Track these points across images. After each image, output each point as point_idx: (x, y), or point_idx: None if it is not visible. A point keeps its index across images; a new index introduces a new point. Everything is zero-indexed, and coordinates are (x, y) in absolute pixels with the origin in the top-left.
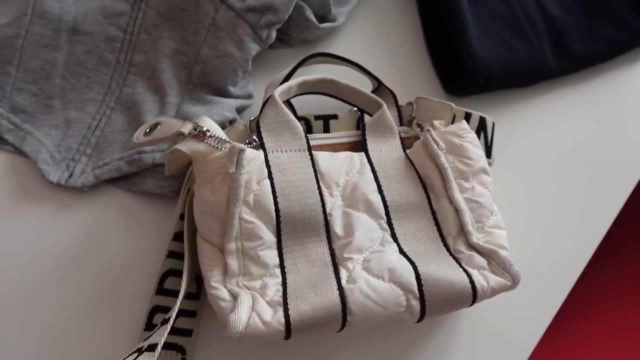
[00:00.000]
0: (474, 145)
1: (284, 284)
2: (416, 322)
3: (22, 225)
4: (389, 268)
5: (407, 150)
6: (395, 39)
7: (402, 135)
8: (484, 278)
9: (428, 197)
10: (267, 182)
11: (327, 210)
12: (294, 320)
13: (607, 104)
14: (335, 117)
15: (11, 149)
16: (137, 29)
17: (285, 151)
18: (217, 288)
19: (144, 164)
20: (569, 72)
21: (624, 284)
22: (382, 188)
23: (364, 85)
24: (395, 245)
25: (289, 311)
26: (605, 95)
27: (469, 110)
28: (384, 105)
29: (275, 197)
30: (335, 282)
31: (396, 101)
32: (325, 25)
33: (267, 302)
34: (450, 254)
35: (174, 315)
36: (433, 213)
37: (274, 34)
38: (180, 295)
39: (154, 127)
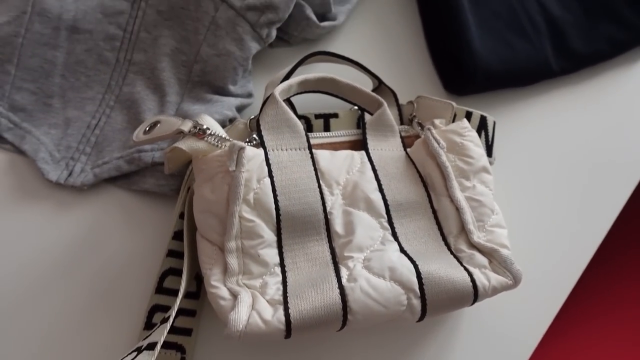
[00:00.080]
0: (474, 144)
1: (284, 282)
2: (417, 321)
3: (22, 224)
4: (389, 267)
5: (408, 149)
6: (396, 38)
7: (403, 134)
8: (485, 277)
9: (429, 196)
10: (268, 180)
11: (328, 208)
12: (294, 319)
13: (608, 103)
14: (335, 115)
15: (10, 147)
16: (136, 28)
17: (286, 149)
18: (217, 287)
19: (144, 163)
20: (569, 71)
21: (624, 285)
22: (383, 187)
23: (365, 84)
24: (396, 244)
25: (289, 310)
26: (606, 94)
27: (470, 109)
28: (385, 104)
29: (275, 196)
30: (336, 280)
31: (397, 100)
32: (326, 24)
33: (267, 301)
34: (451, 252)
35: (173, 314)
36: (434, 212)
37: (274, 33)
38: (180, 294)
39: (154, 125)
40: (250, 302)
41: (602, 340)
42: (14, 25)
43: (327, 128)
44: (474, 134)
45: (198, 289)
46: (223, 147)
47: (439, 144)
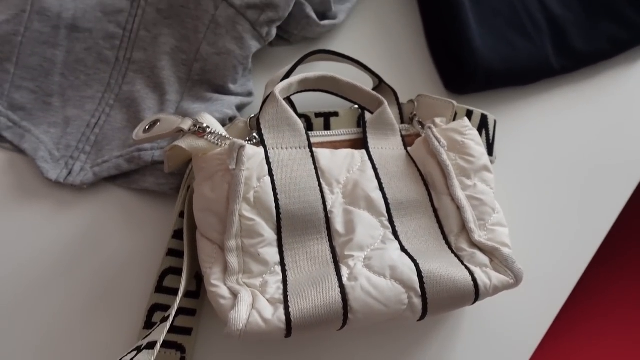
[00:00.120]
0: (475, 143)
1: (285, 281)
2: (418, 320)
3: (21, 223)
4: (390, 265)
5: (409, 148)
6: (396, 37)
7: (403, 132)
8: (486, 276)
9: (429, 195)
10: (268, 179)
11: (328, 207)
12: (294, 318)
13: (608, 102)
14: (336, 114)
15: (10, 146)
16: (136, 27)
17: (286, 148)
18: (217, 286)
19: (144, 162)
20: (570, 69)
21: (624, 285)
22: (383, 185)
23: (365, 83)
24: (396, 242)
25: (290, 309)
26: (607, 93)
27: (471, 108)
28: (385, 102)
29: (275, 194)
30: (337, 279)
31: (397, 99)
32: (326, 22)
33: (267, 300)
34: (452, 251)
35: (173, 314)
36: (435, 211)
37: (274, 32)
38: (180, 293)
39: (154, 124)
40: (250, 301)
41: (602, 340)
42: (13, 24)
43: (327, 127)
44: (474, 132)
45: (198, 288)
46: (223, 145)
47: (439, 142)
